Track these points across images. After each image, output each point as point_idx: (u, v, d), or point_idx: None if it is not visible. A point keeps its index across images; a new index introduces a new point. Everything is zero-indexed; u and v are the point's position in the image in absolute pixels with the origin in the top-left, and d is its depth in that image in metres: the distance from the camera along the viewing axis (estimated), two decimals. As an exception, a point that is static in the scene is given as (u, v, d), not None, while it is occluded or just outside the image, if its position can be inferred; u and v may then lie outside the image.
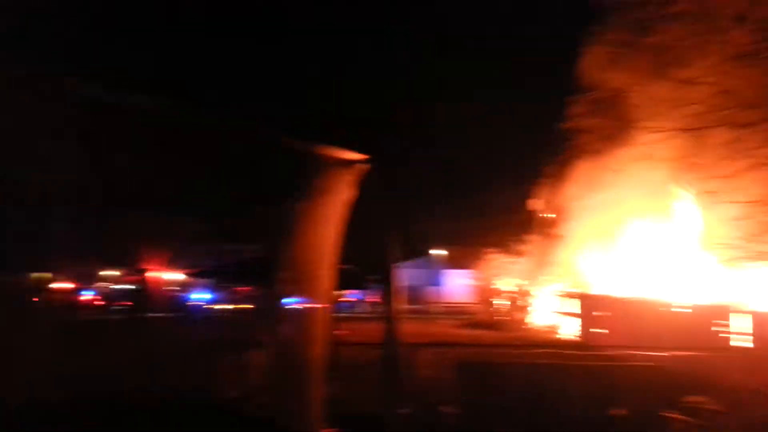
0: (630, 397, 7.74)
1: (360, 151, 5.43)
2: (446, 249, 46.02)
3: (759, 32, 11.96)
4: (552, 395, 7.44)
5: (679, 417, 7.14)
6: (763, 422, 7.46)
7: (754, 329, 11.54)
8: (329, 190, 5.43)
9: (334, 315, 6.58)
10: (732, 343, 12.05)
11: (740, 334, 12.27)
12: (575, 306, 20.02)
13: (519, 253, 28.31)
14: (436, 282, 45.84)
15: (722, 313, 12.45)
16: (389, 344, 5.86)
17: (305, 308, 5.78)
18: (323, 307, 5.73)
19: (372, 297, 36.40)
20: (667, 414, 7.19)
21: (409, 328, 6.81)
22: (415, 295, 37.24)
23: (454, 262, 41.56)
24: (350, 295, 36.28)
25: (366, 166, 5.46)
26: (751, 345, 11.69)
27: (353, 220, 5.59)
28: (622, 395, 7.82)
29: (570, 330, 19.78)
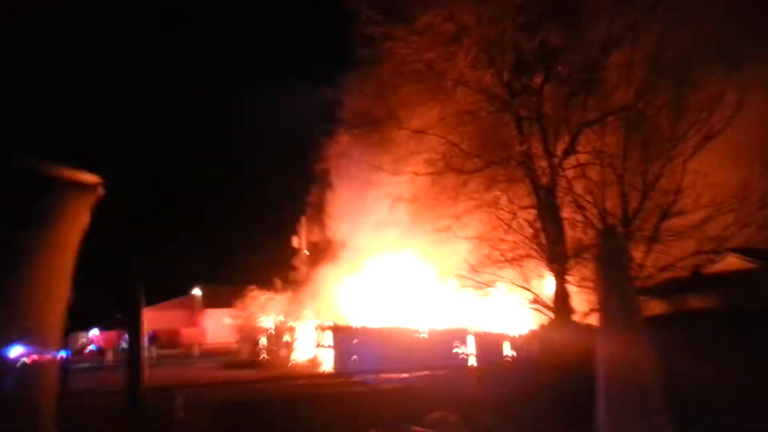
0: (382, 416, 8.47)
1: (95, 172, 4.71)
2: (205, 287, 44.46)
3: (476, 94, 14.11)
4: (309, 425, 7.78)
5: (424, 431, 8.01)
6: (488, 428, 8.69)
7: (476, 348, 13.33)
8: (60, 216, 4.67)
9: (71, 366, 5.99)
10: (470, 362, 13.52)
11: (472, 354, 14.16)
12: (331, 338, 21.14)
13: (281, 290, 28.74)
14: (195, 322, 43.88)
15: (461, 335, 13.96)
16: (132, 389, 5.42)
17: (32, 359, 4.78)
18: (53, 357, 4.86)
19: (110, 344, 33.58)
20: (414, 429, 8.01)
21: (164, 373, 6.55)
22: (172, 337, 35.29)
23: (214, 301, 40.34)
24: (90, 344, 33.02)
25: (101, 191, 4.77)
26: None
27: (89, 252, 4.94)
28: (376, 416, 8.51)
29: (328, 362, 20.73)
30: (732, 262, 17.30)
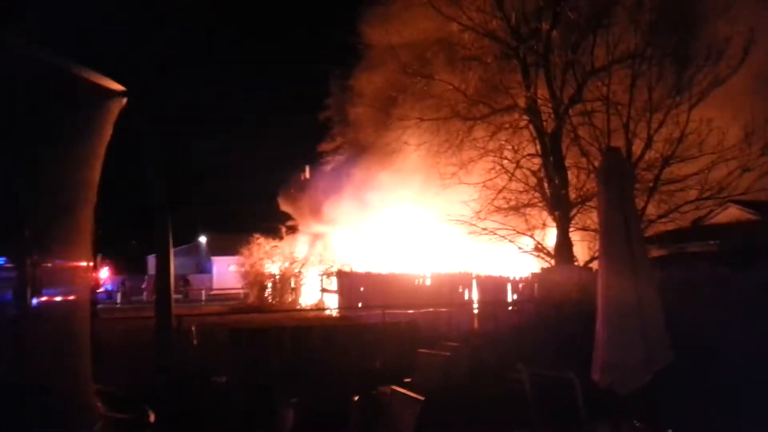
0: (388, 347, 8.85)
1: (118, 80, 4.14)
2: (211, 235, 44.96)
3: (483, 39, 14.05)
4: (319, 350, 8.16)
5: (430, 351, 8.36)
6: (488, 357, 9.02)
7: (479, 292, 13.69)
8: (83, 124, 4.10)
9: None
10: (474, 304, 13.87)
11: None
12: (337, 284, 21.61)
13: (285, 237, 29.12)
14: (203, 269, 44.58)
15: (465, 280, 14.31)
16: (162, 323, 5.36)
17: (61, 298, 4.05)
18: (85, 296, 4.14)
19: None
20: (420, 350, 8.36)
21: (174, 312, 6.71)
22: (178, 284, 35.86)
23: (220, 249, 40.90)
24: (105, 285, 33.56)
25: (124, 101, 4.21)
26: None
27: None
28: (383, 346, 8.89)
29: (334, 306, 21.27)
30: (733, 213, 17.51)
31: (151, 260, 45.69)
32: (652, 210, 12.56)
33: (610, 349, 4.66)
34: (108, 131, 4.18)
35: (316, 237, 26.94)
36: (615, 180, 4.34)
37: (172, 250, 5.10)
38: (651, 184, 12.34)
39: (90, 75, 3.80)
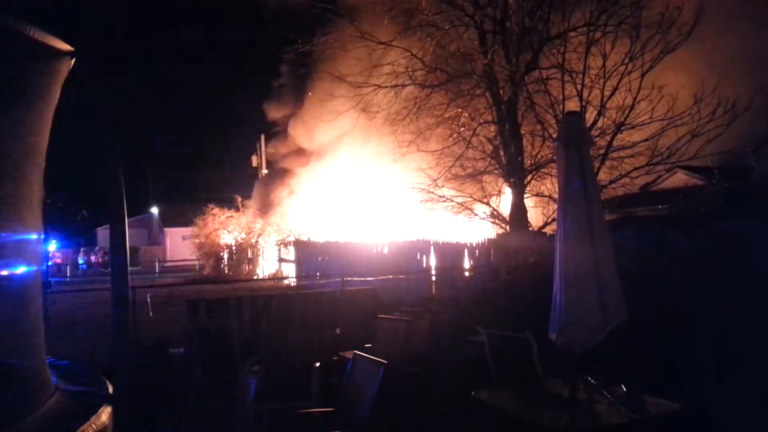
0: (347, 314, 8.87)
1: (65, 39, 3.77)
2: (163, 206, 43.95)
3: (438, 4, 13.96)
4: (279, 318, 8.12)
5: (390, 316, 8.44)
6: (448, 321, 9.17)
7: (437, 258, 13.86)
8: (28, 87, 3.77)
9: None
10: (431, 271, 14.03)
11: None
12: (294, 254, 21.52)
13: (242, 207, 28.73)
14: (156, 241, 43.66)
15: (422, 247, 14.47)
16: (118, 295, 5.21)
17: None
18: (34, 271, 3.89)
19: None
20: (381, 316, 8.40)
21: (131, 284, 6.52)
22: (133, 256, 35.09)
23: (173, 220, 40.07)
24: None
25: (72, 62, 3.89)
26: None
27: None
28: (342, 313, 8.90)
29: (291, 275, 21.21)
30: (680, 178, 18.13)
31: (101, 232, 44.43)
32: (603, 176, 12.86)
33: (568, 310, 4.77)
34: (56, 94, 3.93)
35: (272, 206, 26.67)
36: (574, 144, 4.39)
37: (126, 221, 4.94)
38: (603, 151, 12.61)
39: (34, 32, 3.50)
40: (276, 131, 28.27)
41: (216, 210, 27.88)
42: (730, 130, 11.44)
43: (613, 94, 12.19)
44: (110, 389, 4.17)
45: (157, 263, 33.50)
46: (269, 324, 8.18)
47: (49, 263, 30.06)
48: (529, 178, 14.11)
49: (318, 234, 21.42)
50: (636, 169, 12.69)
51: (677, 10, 11.45)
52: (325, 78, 17.92)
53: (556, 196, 7.11)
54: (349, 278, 11.09)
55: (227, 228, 27.33)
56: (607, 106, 12.33)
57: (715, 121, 11.29)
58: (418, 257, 14.36)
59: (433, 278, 13.52)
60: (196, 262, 29.89)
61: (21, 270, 3.91)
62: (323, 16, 15.54)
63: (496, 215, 14.65)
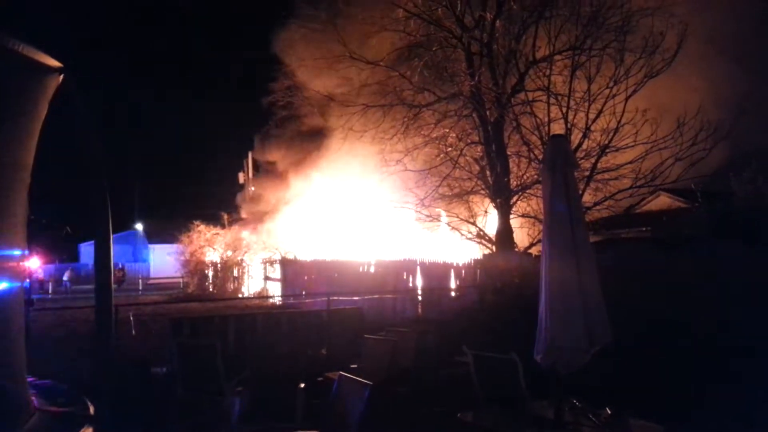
0: (333, 333, 8.82)
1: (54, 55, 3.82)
2: (148, 222, 43.64)
3: (426, 26, 14.14)
4: (263, 339, 8.04)
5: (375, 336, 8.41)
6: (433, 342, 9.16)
7: (423, 278, 13.88)
8: (16, 101, 3.72)
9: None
10: (418, 290, 14.04)
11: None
12: (280, 272, 21.37)
13: (227, 225, 28.56)
14: (139, 257, 43.23)
15: (409, 266, 14.47)
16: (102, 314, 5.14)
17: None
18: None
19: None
20: (366, 336, 8.37)
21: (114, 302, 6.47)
22: (114, 273, 34.71)
23: (158, 237, 39.75)
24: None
25: (60, 78, 3.90)
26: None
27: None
28: (328, 333, 8.85)
29: (277, 294, 21.04)
30: (663, 201, 18.36)
31: (84, 248, 43.90)
32: (588, 198, 12.98)
33: (554, 331, 4.80)
34: (43, 109, 3.91)
35: (259, 225, 26.55)
36: (559, 168, 4.45)
37: (111, 238, 4.91)
38: (587, 173, 12.75)
39: (23, 48, 3.52)
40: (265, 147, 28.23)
41: (202, 227, 27.71)
42: (712, 154, 11.64)
43: (597, 116, 12.36)
44: (92, 409, 4.11)
45: (140, 280, 33.11)
46: (254, 343, 8.10)
47: (32, 279, 29.63)
48: (515, 198, 14.19)
49: (304, 252, 21.32)
50: (620, 191, 12.84)
51: (660, 36, 11.68)
52: (312, 97, 17.98)
53: (541, 216, 7.17)
54: (336, 297, 11.03)
55: (213, 245, 27.13)
56: (592, 128, 12.49)
57: (698, 145, 11.48)
58: (405, 276, 14.34)
59: (420, 298, 13.51)
60: (180, 280, 29.58)
61: (3, 286, 3.85)
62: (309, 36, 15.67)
63: (482, 235, 14.70)
